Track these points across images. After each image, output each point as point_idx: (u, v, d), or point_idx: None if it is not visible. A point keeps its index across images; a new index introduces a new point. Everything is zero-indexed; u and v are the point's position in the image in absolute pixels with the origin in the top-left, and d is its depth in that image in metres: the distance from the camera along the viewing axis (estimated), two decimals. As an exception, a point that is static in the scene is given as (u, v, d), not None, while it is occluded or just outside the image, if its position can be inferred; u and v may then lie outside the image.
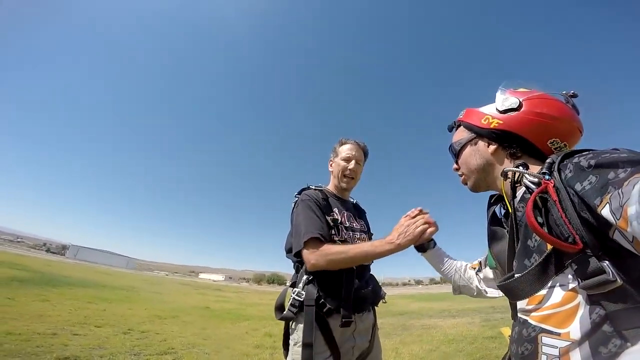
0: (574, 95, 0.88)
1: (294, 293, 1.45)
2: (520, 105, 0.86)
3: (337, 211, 1.66)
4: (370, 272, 1.69)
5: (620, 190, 0.53)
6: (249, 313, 11.93)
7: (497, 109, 0.90)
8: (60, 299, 8.36)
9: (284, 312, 1.43)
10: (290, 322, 1.46)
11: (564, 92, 0.88)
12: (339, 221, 1.61)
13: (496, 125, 0.89)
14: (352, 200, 1.93)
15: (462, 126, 1.03)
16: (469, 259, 1.34)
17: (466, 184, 1.02)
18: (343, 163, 1.77)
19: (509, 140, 0.88)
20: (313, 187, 1.76)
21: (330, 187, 1.87)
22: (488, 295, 1.19)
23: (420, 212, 1.28)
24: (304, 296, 1.40)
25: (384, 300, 1.72)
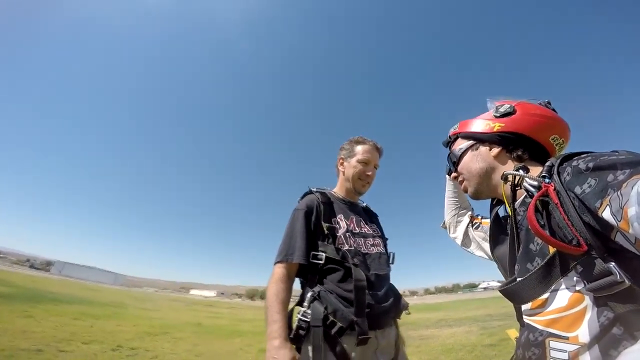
0: (549, 103, 0.93)
1: (299, 313, 1.30)
2: (514, 110, 0.90)
3: (342, 217, 1.52)
4: (390, 282, 1.53)
5: (619, 192, 0.53)
6: (242, 329, 11.67)
7: (493, 115, 0.93)
8: (45, 315, 8.04)
9: (292, 334, 1.26)
10: (300, 345, 1.28)
11: (540, 101, 0.94)
12: (345, 229, 1.48)
13: (499, 128, 0.91)
14: (361, 203, 1.77)
15: (459, 138, 1.04)
16: (472, 259, 1.36)
17: (467, 190, 1.03)
18: (360, 166, 1.62)
19: (513, 141, 0.89)
20: (315, 190, 1.60)
21: (338, 189, 1.72)
22: (469, 249, 1.24)
23: None
24: (310, 316, 1.25)
25: (407, 312, 1.55)
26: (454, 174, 1.06)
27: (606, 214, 0.55)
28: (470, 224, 1.27)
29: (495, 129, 0.91)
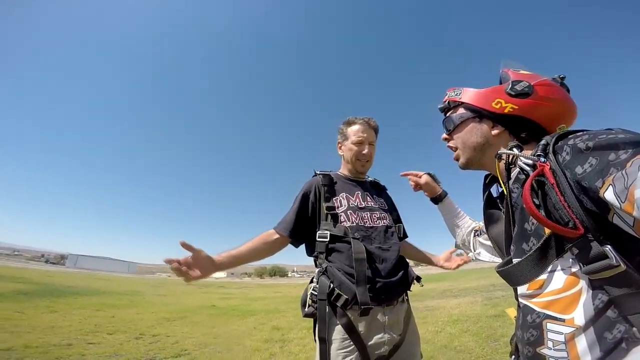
0: (564, 78, 0.87)
1: (311, 288, 1.41)
2: (532, 91, 0.82)
3: (345, 195, 1.59)
4: (398, 254, 1.52)
5: (624, 172, 0.51)
6: (254, 308, 12.03)
7: (507, 92, 0.84)
8: (68, 309, 8.42)
9: (306, 309, 1.39)
10: (316, 318, 1.39)
11: (556, 75, 0.87)
12: (347, 207, 1.54)
13: (510, 110, 0.84)
14: (367, 178, 1.81)
15: (462, 108, 0.96)
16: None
17: (458, 159, 0.99)
18: (355, 148, 1.66)
19: (520, 125, 0.85)
20: (318, 173, 1.70)
21: (343, 170, 1.78)
22: (480, 258, 1.23)
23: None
24: (317, 290, 1.37)
25: (420, 284, 1.57)
26: (444, 136, 1.03)
27: (608, 195, 0.52)
28: (474, 235, 1.27)
29: (506, 110, 0.84)
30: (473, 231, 1.29)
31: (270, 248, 1.53)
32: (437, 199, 1.43)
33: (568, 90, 0.87)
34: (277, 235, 1.54)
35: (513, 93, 0.83)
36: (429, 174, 1.46)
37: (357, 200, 1.60)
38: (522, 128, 0.85)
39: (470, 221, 1.35)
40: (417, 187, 1.48)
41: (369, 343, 1.32)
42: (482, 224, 1.21)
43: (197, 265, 1.27)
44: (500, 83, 0.92)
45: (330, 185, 1.62)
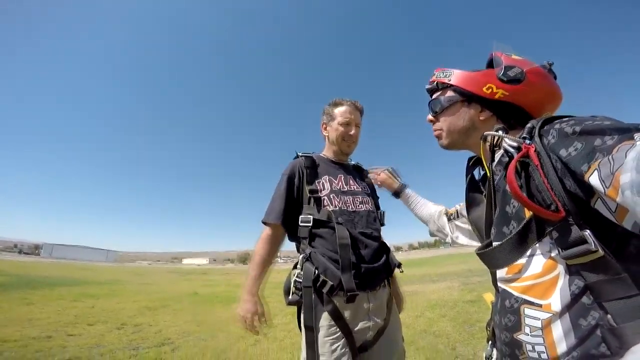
0: (552, 64, 0.87)
1: (294, 275, 1.38)
2: (524, 77, 0.81)
3: (327, 178, 1.56)
4: (381, 241, 1.54)
5: (610, 157, 0.50)
6: (238, 295, 11.86)
7: (499, 77, 0.83)
8: (45, 300, 8.20)
9: (290, 297, 1.37)
10: (300, 306, 1.37)
11: (545, 62, 0.87)
12: (330, 190, 1.52)
13: (501, 96, 0.83)
14: (351, 162, 1.80)
15: (450, 90, 0.94)
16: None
17: (440, 139, 0.99)
18: (341, 128, 1.63)
19: (509, 111, 0.85)
20: (300, 155, 1.65)
21: (326, 152, 1.75)
22: (459, 241, 1.21)
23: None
24: (302, 277, 1.35)
25: (400, 270, 1.60)
26: (429, 117, 1.01)
27: (593, 179, 0.52)
28: (449, 220, 1.26)
29: (496, 96, 0.83)
30: (446, 215, 1.29)
31: (276, 246, 1.53)
32: (396, 194, 1.46)
33: (555, 77, 0.88)
34: (276, 231, 1.52)
35: (505, 79, 0.82)
36: (388, 170, 1.49)
37: (340, 183, 1.58)
38: (510, 114, 0.85)
39: (435, 207, 1.36)
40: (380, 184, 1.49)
41: (355, 329, 1.32)
42: (457, 207, 1.25)
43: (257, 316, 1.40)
44: (489, 66, 0.92)
45: (312, 168, 1.58)
